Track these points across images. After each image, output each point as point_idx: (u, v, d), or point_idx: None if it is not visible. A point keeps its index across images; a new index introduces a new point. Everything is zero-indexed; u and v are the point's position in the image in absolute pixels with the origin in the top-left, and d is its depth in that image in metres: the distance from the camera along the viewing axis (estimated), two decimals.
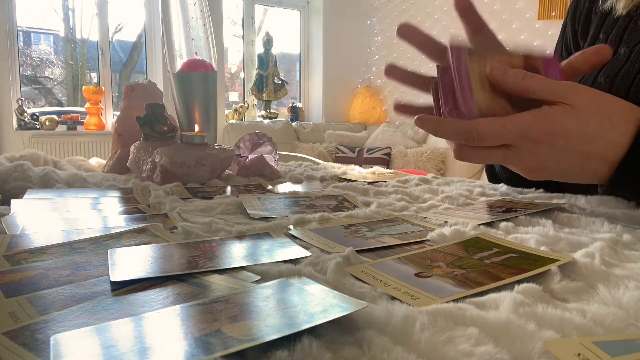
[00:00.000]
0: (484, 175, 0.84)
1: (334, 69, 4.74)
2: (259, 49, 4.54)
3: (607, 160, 0.44)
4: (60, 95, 4.13)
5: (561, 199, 0.62)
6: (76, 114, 3.83)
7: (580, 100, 0.44)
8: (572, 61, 0.49)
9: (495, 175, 0.79)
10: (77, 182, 0.74)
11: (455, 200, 0.63)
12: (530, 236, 0.42)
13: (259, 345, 0.21)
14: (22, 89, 3.64)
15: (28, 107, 3.69)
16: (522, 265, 0.34)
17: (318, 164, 1.16)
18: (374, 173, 0.95)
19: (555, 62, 0.49)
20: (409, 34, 0.52)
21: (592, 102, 0.44)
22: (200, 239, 0.42)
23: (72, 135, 3.66)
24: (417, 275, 0.33)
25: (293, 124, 4.41)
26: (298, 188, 0.76)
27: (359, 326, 0.24)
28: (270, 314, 0.25)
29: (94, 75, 4.02)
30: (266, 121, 4.39)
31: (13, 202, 0.56)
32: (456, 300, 0.28)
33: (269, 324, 0.23)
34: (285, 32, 4.81)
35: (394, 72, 0.54)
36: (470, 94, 0.45)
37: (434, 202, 0.62)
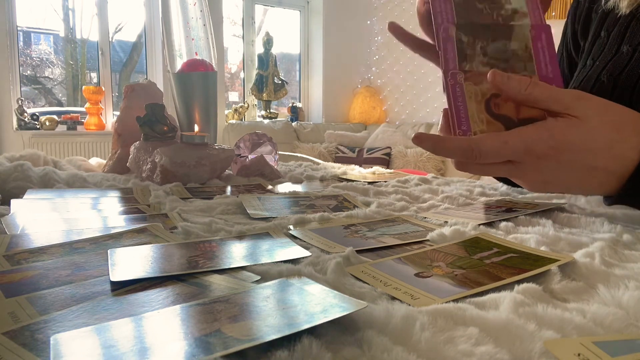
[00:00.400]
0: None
1: (334, 69, 4.73)
2: (259, 49, 4.54)
3: (614, 174, 0.43)
4: (60, 95, 4.13)
5: (561, 199, 0.62)
6: (76, 114, 3.83)
7: (587, 111, 0.42)
8: None
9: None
10: (77, 182, 0.74)
11: (455, 200, 0.63)
12: (530, 236, 0.42)
13: (259, 345, 0.21)
14: (22, 89, 3.64)
15: (28, 107, 3.69)
16: (522, 265, 0.34)
17: (318, 164, 1.16)
18: (374, 173, 0.95)
19: None
20: (399, 33, 0.54)
21: (599, 113, 0.42)
22: (200, 239, 0.42)
23: (72, 135, 3.66)
24: (417, 275, 0.33)
25: (293, 124, 4.41)
26: (298, 188, 0.76)
27: (359, 326, 0.24)
28: (270, 314, 0.25)
29: (94, 75, 4.02)
30: (266, 121, 4.39)
31: (13, 202, 0.56)
32: (456, 300, 0.28)
33: (269, 324, 0.23)
34: (285, 32, 4.81)
35: (397, 30, 0.55)
36: (466, 119, 0.45)
37: (434, 202, 0.62)
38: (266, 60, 4.48)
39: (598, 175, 0.43)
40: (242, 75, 4.63)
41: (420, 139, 0.44)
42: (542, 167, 0.43)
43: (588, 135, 0.42)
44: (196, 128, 0.86)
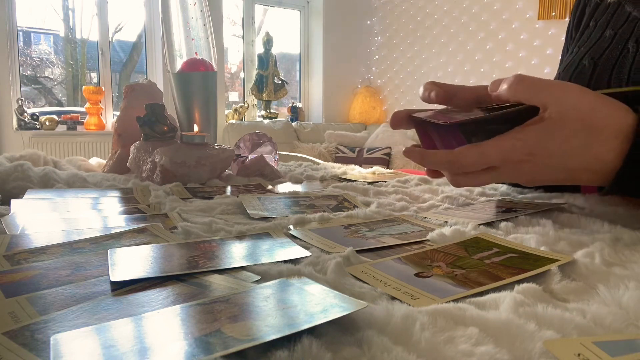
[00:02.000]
0: None
1: (334, 69, 4.73)
2: (259, 49, 4.54)
3: (597, 173, 0.44)
4: (60, 95, 4.13)
5: (561, 198, 0.62)
6: (76, 114, 3.83)
7: (569, 112, 0.42)
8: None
9: None
10: (77, 182, 0.74)
11: (455, 200, 0.63)
12: (530, 236, 0.42)
13: (259, 345, 0.21)
14: (22, 89, 3.64)
15: (28, 107, 3.69)
16: (522, 265, 0.34)
17: (318, 164, 1.16)
18: (374, 173, 0.95)
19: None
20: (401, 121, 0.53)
21: (580, 116, 0.42)
22: (200, 239, 0.42)
23: (72, 135, 3.66)
24: (417, 275, 0.33)
25: (293, 124, 4.41)
26: (298, 188, 0.76)
27: (359, 326, 0.24)
28: (270, 314, 0.25)
29: (94, 75, 4.02)
30: (266, 121, 4.39)
31: (13, 202, 0.56)
32: (456, 300, 0.28)
33: (269, 324, 0.23)
34: (285, 32, 4.81)
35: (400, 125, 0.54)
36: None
37: (434, 202, 0.62)
38: (266, 60, 4.48)
39: (577, 174, 0.45)
40: (242, 75, 4.63)
41: (409, 153, 0.49)
42: (521, 170, 0.45)
43: (564, 139, 0.42)
44: (196, 128, 0.86)
